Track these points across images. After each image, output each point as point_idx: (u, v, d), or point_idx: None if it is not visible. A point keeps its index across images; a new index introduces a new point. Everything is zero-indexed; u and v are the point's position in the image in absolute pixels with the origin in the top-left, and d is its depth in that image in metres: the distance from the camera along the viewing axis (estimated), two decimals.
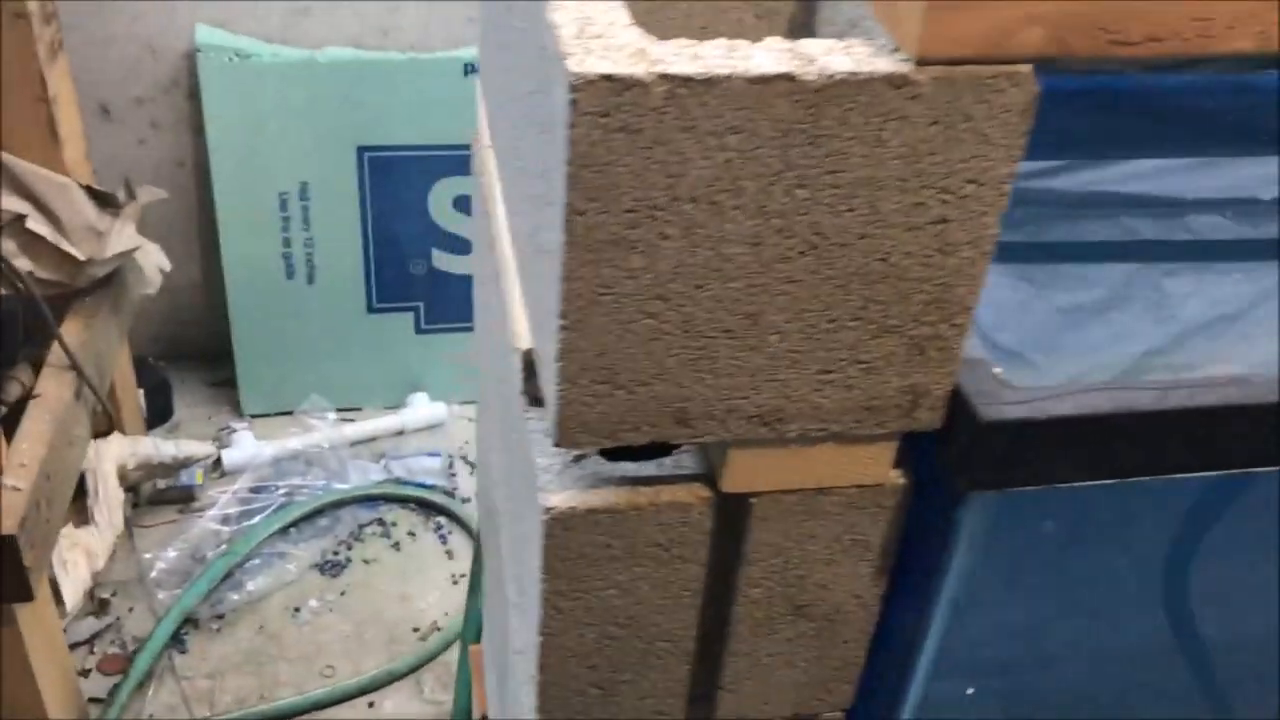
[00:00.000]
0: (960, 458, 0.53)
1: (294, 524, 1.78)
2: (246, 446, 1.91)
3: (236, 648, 1.59)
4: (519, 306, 0.59)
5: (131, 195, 1.39)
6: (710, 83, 0.40)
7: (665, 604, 0.59)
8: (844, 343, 0.49)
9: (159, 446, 1.66)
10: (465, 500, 1.91)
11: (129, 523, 1.71)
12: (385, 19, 1.77)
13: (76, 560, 1.46)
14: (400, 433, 2.05)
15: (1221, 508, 0.56)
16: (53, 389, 1.25)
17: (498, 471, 0.81)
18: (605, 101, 0.40)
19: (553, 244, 0.46)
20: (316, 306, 1.96)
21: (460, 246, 1.97)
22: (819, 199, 0.44)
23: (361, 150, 1.82)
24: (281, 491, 1.85)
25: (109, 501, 1.53)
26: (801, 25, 0.58)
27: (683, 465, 0.56)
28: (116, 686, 1.49)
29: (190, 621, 1.61)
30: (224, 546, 1.71)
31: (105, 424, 1.49)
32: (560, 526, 0.53)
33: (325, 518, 1.82)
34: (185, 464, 1.72)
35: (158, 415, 1.97)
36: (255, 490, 1.85)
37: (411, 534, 1.84)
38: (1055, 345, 0.67)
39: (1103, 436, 0.52)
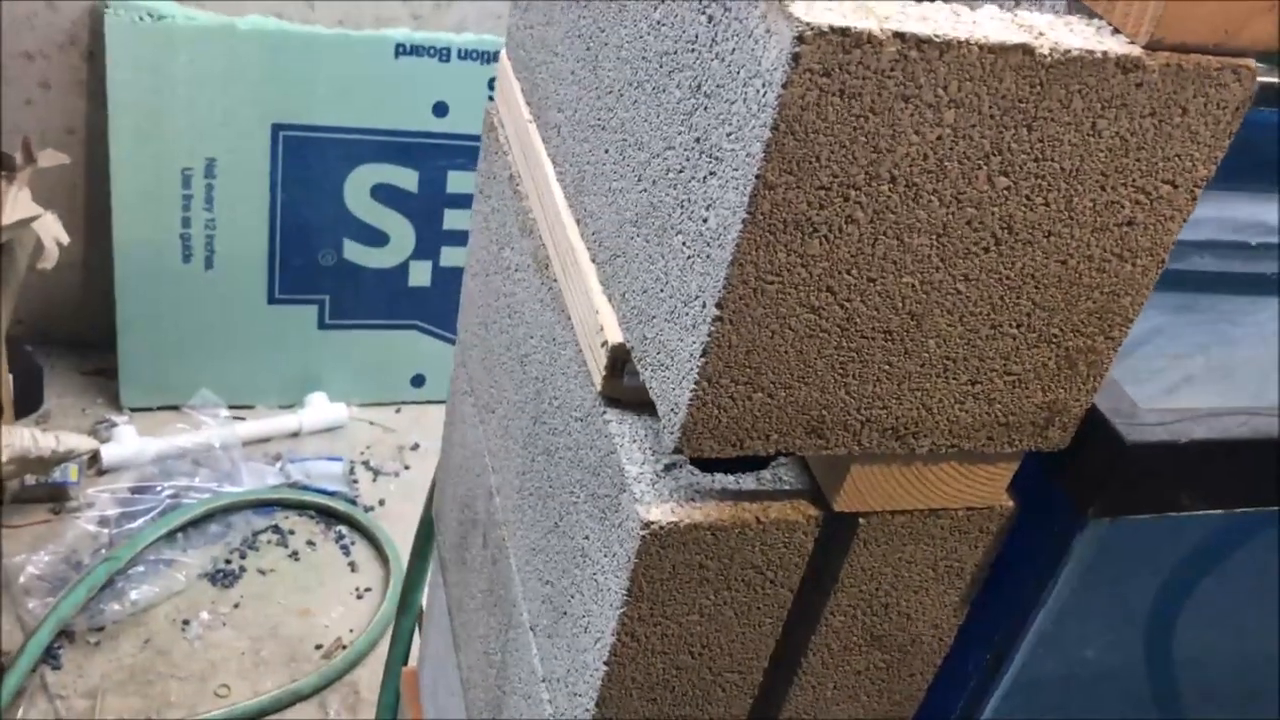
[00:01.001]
0: (1090, 481, 0.49)
1: (182, 529, 1.64)
2: (128, 442, 1.75)
3: (119, 664, 1.44)
4: (599, 297, 0.53)
5: (30, 158, 1.25)
6: (946, 47, 0.36)
7: (744, 631, 0.53)
8: (1000, 351, 0.45)
9: (37, 439, 1.50)
10: (369, 509, 1.80)
11: None
12: None
13: None
14: (297, 434, 1.92)
15: None
16: None
17: (498, 478, 0.74)
18: (831, 58, 0.35)
19: (713, 223, 0.40)
20: (213, 294, 1.82)
21: (375, 238, 1.86)
22: (1019, 188, 0.40)
23: (277, 128, 1.70)
24: (167, 493, 1.70)
25: None
26: None
27: (782, 480, 0.51)
28: None
29: (65, 634, 1.45)
30: (104, 551, 1.56)
31: None
32: (658, 543, 0.47)
33: (216, 523, 1.68)
34: (64, 459, 1.56)
35: (25, 404, 1.79)
36: (137, 490, 1.69)
37: (311, 544, 1.72)
38: None
39: (1234, 462, 0.50)
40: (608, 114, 0.52)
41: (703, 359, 0.42)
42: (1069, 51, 0.37)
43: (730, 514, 0.48)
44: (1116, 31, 0.39)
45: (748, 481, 0.50)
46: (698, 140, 0.41)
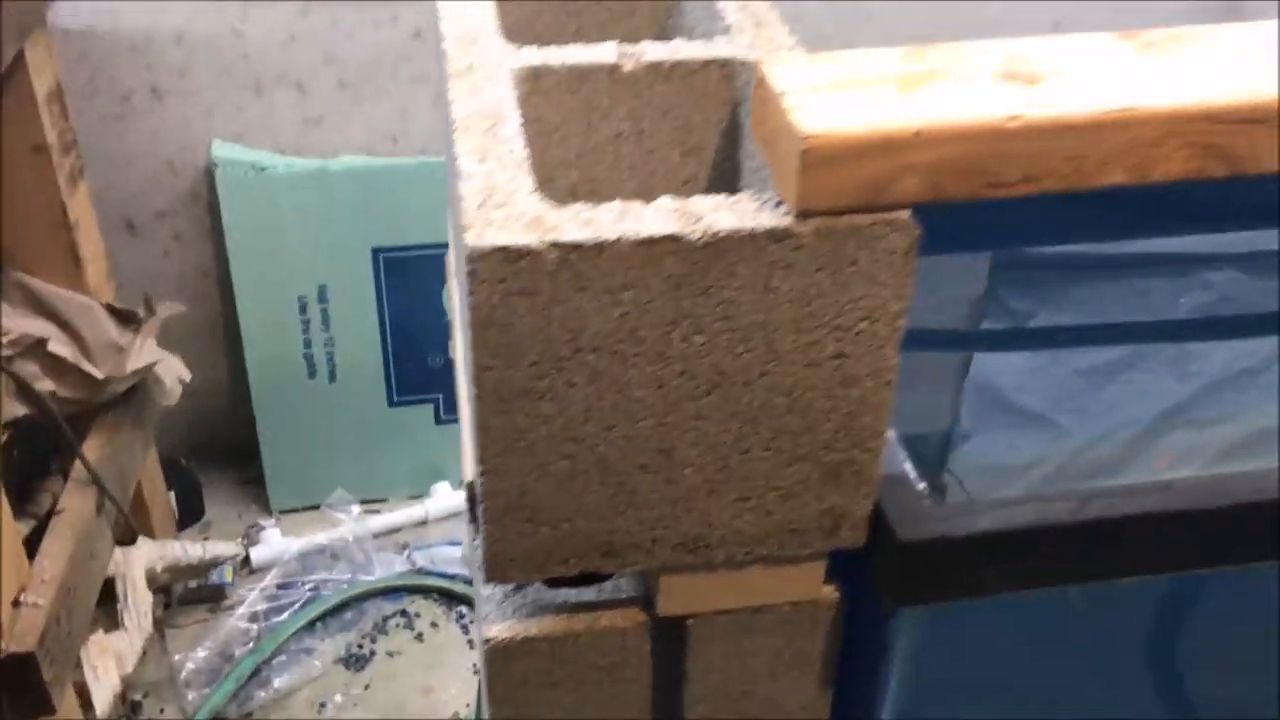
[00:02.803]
0: (882, 576, 0.54)
1: (319, 618, 1.81)
2: (274, 543, 1.94)
3: None
4: (469, 440, 0.62)
5: (151, 311, 1.45)
6: (599, 247, 0.43)
7: None
8: (758, 471, 0.51)
9: (186, 549, 1.70)
10: None
11: (162, 623, 1.75)
12: (394, 126, 1.84)
13: (106, 666, 1.49)
14: (424, 522, 2.07)
15: (1148, 609, 0.57)
16: (75, 504, 1.30)
17: None
18: (501, 269, 0.43)
19: (469, 393, 0.49)
20: (339, 403, 2.00)
21: None
22: (716, 343, 0.46)
23: (376, 252, 1.87)
24: (308, 586, 1.88)
25: (137, 606, 1.57)
26: (726, 159, 0.61)
27: (621, 589, 0.58)
28: None
29: None
30: (251, 644, 1.74)
31: (129, 534, 1.53)
32: (500, 656, 0.55)
33: (350, 611, 1.84)
34: (213, 564, 1.76)
35: (190, 515, 2.01)
36: (283, 586, 1.88)
37: (434, 624, 1.85)
38: (1077, 406, 0.66)
39: (1022, 549, 0.54)
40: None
41: (485, 503, 0.50)
42: (719, 233, 0.44)
43: (564, 626, 0.56)
44: (781, 203, 0.46)
45: (589, 593, 0.58)
46: (462, 325, 0.50)
